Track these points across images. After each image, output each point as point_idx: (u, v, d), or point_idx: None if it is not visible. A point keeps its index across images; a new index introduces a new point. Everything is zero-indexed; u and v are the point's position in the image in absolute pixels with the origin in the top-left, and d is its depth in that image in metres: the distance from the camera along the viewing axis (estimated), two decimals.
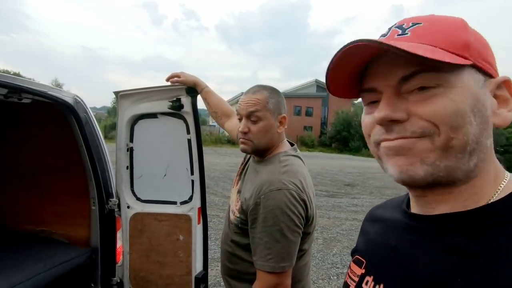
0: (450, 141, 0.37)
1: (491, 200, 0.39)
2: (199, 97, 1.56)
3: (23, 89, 1.42)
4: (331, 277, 3.25)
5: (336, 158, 20.67)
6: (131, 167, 1.71)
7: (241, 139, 1.09)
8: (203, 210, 1.64)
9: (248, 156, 1.23)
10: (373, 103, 0.44)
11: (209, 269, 1.70)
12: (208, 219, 1.76)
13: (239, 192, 1.12)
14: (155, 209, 1.69)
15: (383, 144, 0.42)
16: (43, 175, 2.08)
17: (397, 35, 0.41)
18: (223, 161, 13.05)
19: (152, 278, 1.70)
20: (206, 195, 1.66)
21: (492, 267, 0.35)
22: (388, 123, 0.40)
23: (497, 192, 0.40)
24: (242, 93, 1.14)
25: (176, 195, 1.67)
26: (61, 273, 1.71)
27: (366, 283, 0.48)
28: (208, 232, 1.74)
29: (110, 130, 19.18)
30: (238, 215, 1.06)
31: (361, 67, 0.44)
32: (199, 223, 1.63)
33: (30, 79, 1.77)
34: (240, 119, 1.10)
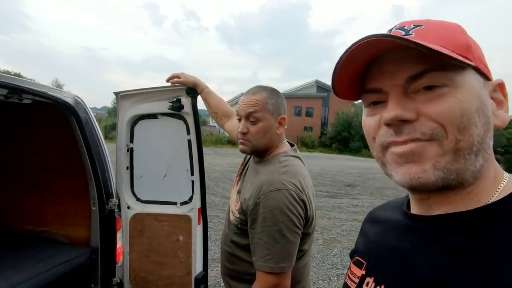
0: (458, 143, 0.37)
1: (491, 201, 0.39)
2: (199, 98, 1.56)
3: (23, 90, 1.42)
4: (331, 278, 3.25)
5: (336, 158, 20.66)
6: (131, 168, 1.71)
7: (240, 140, 1.09)
8: (203, 211, 1.64)
9: (248, 156, 1.23)
10: (375, 105, 0.43)
11: (209, 270, 1.70)
12: (208, 220, 1.76)
13: (239, 192, 1.12)
14: (155, 209, 1.69)
15: (393, 149, 0.41)
16: (43, 175, 2.08)
17: (402, 36, 0.41)
18: (223, 161, 13.06)
19: (152, 279, 1.70)
20: (206, 195, 1.66)
21: (492, 267, 0.35)
22: (398, 124, 0.39)
23: (497, 192, 0.40)
24: (242, 93, 1.14)
25: (176, 195, 1.67)
26: (61, 273, 1.71)
27: (367, 284, 0.48)
28: (208, 233, 1.74)
29: (111, 130, 19.20)
30: (237, 215, 1.06)
31: (363, 68, 0.43)
32: (199, 223, 1.63)
33: (30, 79, 1.77)
34: (239, 120, 1.10)
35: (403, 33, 0.41)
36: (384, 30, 0.45)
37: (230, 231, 1.12)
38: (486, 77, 0.40)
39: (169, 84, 1.52)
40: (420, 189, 0.40)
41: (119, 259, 1.78)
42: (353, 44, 0.39)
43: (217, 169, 10.43)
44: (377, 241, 0.52)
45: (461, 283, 0.36)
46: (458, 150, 0.37)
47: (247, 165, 1.21)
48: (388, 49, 0.40)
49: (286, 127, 1.12)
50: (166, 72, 1.74)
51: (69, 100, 1.67)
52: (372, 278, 0.47)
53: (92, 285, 1.84)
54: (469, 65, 0.37)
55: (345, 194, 7.90)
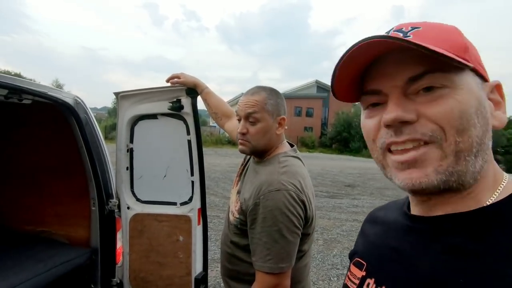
0: (457, 145, 0.37)
1: (492, 201, 0.40)
2: (199, 98, 1.56)
3: (23, 90, 1.42)
4: (331, 278, 3.25)
5: (336, 159, 20.67)
6: (131, 168, 1.71)
7: (239, 140, 1.09)
8: (203, 211, 1.64)
9: (248, 157, 1.23)
10: (374, 106, 0.44)
11: (209, 270, 1.70)
12: (208, 220, 1.76)
13: (238, 193, 1.12)
14: (155, 210, 1.69)
15: (394, 158, 0.41)
16: (43, 175, 2.08)
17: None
18: (223, 161, 13.06)
19: (152, 279, 1.70)
20: (206, 196, 1.66)
21: (493, 267, 0.35)
22: (398, 125, 0.39)
23: (497, 193, 0.40)
24: (243, 93, 1.14)
25: (176, 196, 1.67)
26: (61, 273, 1.71)
27: (368, 286, 0.48)
28: (208, 233, 1.74)
29: (111, 130, 19.21)
30: (237, 215, 1.06)
31: (362, 70, 0.43)
32: (199, 224, 1.63)
33: (31, 79, 1.77)
34: (239, 120, 1.10)
35: (401, 35, 0.41)
36: (384, 31, 0.45)
37: (229, 232, 1.12)
38: (483, 78, 0.41)
39: (169, 84, 1.52)
40: (422, 193, 0.40)
41: (119, 259, 1.78)
42: (353, 46, 0.39)
43: (217, 169, 10.43)
44: (378, 242, 0.52)
45: (462, 284, 0.36)
46: (458, 152, 0.37)
47: (247, 166, 1.21)
48: (387, 50, 0.40)
49: (286, 127, 1.12)
50: (166, 72, 1.75)
51: (69, 101, 1.67)
52: (373, 279, 0.47)
53: (92, 286, 1.84)
54: (468, 66, 0.38)
55: (345, 194, 7.90)
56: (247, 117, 1.06)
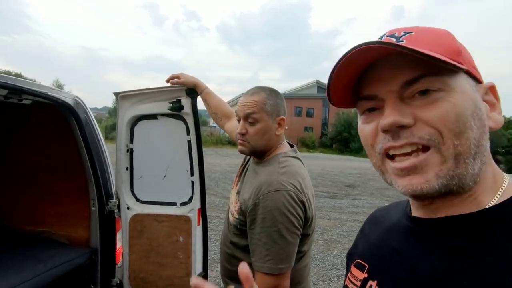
0: (455, 148, 0.37)
1: (493, 203, 0.39)
2: (199, 98, 1.56)
3: (23, 90, 1.42)
4: (332, 279, 3.24)
5: (336, 159, 20.66)
6: (131, 168, 1.71)
7: (239, 141, 1.09)
8: (203, 212, 1.63)
9: (248, 157, 1.23)
10: (371, 112, 0.44)
11: (208, 271, 1.70)
12: (209, 220, 1.76)
13: (238, 193, 1.12)
14: (155, 210, 1.69)
15: (393, 165, 0.41)
16: (43, 175, 2.08)
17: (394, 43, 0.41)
18: (223, 162, 13.06)
19: (152, 279, 1.70)
20: (207, 196, 1.66)
21: (495, 269, 0.35)
22: (396, 129, 0.39)
23: (498, 194, 0.40)
24: (243, 94, 1.14)
25: (176, 196, 1.67)
26: (61, 273, 1.71)
27: None
28: (208, 233, 1.73)
29: (111, 130, 19.22)
30: (237, 216, 1.06)
31: (357, 75, 0.43)
32: (199, 224, 1.63)
33: (31, 79, 1.77)
34: (238, 121, 1.10)
35: (394, 40, 0.41)
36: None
37: (229, 232, 1.11)
38: (477, 80, 0.41)
39: (169, 84, 1.52)
40: (423, 197, 0.41)
41: (119, 259, 1.77)
42: (347, 52, 0.39)
43: (218, 170, 10.43)
44: (379, 244, 0.51)
45: (465, 285, 0.36)
46: (457, 155, 0.38)
47: (246, 166, 1.21)
48: (381, 56, 0.40)
49: (286, 127, 1.12)
50: (167, 72, 1.76)
51: (69, 101, 1.67)
52: (375, 282, 0.47)
53: (92, 286, 1.84)
54: (461, 69, 0.38)
55: (345, 194, 7.90)
56: (246, 117, 1.06)
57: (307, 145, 27.38)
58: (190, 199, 1.64)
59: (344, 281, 0.55)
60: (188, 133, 1.60)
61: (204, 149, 1.61)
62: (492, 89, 0.43)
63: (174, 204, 1.67)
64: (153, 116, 1.64)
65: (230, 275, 1.11)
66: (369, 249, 0.53)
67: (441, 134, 0.38)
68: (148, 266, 1.70)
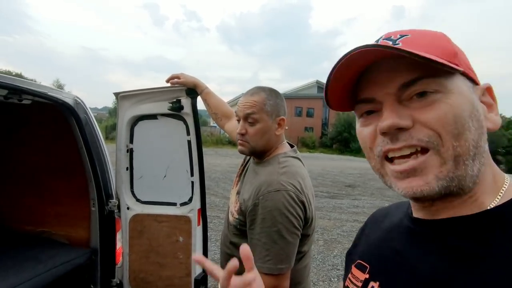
0: (455, 150, 0.37)
1: (494, 204, 0.39)
2: (199, 98, 1.56)
3: (23, 90, 1.42)
4: (332, 279, 3.24)
5: (337, 159, 20.65)
6: (131, 168, 1.71)
7: (238, 141, 1.09)
8: (203, 212, 1.63)
9: (248, 157, 1.23)
10: (369, 114, 0.44)
11: None
12: (209, 220, 1.76)
13: (238, 193, 1.12)
14: (154, 210, 1.69)
15: (392, 167, 0.41)
16: (43, 176, 2.08)
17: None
18: (224, 162, 13.06)
19: (152, 280, 1.70)
20: (207, 196, 1.66)
21: (496, 270, 0.35)
22: (394, 132, 0.39)
23: (500, 195, 0.40)
24: (243, 94, 1.14)
25: (176, 196, 1.67)
26: (61, 274, 1.71)
27: None
28: (209, 234, 1.73)
29: (112, 130, 19.23)
30: (236, 216, 1.06)
31: (355, 79, 0.43)
32: (198, 224, 1.63)
33: (32, 80, 1.77)
34: (238, 121, 1.10)
35: (391, 43, 0.41)
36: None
37: (229, 232, 1.11)
38: (474, 82, 0.41)
39: (169, 84, 1.52)
40: (424, 199, 0.41)
41: (119, 260, 1.77)
42: (345, 55, 0.39)
43: (218, 170, 10.43)
44: (381, 245, 0.51)
45: (466, 287, 0.36)
46: (457, 156, 0.38)
47: (246, 166, 1.21)
48: (378, 59, 0.40)
49: (287, 127, 1.12)
50: (167, 72, 1.77)
51: (69, 101, 1.66)
52: (377, 283, 0.47)
53: (92, 286, 1.84)
54: (458, 70, 0.38)
55: (345, 194, 7.89)
56: (246, 117, 1.06)
57: (307, 145, 27.38)
58: (190, 199, 1.64)
59: (344, 282, 0.55)
60: (188, 133, 1.59)
61: (204, 149, 1.61)
62: (488, 90, 0.43)
63: (174, 204, 1.67)
64: (153, 116, 1.64)
65: None
66: (370, 250, 0.53)
67: (440, 136, 0.38)
68: (148, 266, 1.70)
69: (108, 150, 1.84)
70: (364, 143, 0.45)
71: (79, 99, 1.74)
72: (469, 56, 0.44)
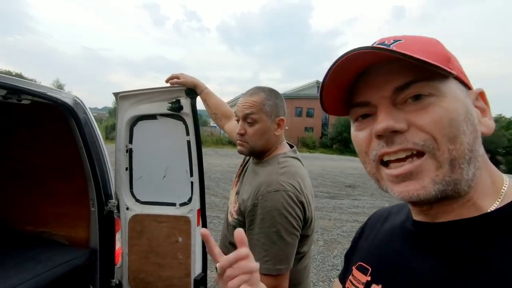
0: (451, 153, 0.37)
1: (495, 206, 0.39)
2: (198, 99, 1.55)
3: (22, 90, 1.42)
4: (332, 279, 3.24)
5: (337, 159, 20.66)
6: (130, 169, 1.71)
7: (238, 141, 1.09)
8: (202, 212, 1.63)
9: (248, 157, 1.23)
10: (364, 118, 0.44)
11: (208, 271, 1.69)
12: (209, 221, 1.76)
13: (237, 193, 1.11)
14: (154, 210, 1.69)
15: (388, 171, 0.41)
16: (43, 176, 2.08)
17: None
18: (224, 162, 13.05)
19: (151, 280, 1.69)
20: (207, 196, 1.65)
21: (501, 272, 0.34)
22: (389, 135, 0.39)
23: (500, 197, 0.40)
24: (243, 94, 1.14)
25: (176, 196, 1.66)
26: (60, 274, 1.71)
27: None
28: None
29: (112, 130, 19.24)
30: (236, 216, 1.06)
31: (349, 83, 0.43)
32: (198, 225, 1.63)
33: (32, 80, 1.77)
34: (237, 121, 1.10)
35: (385, 47, 0.41)
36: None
37: (228, 233, 1.11)
38: (467, 87, 0.42)
39: (168, 84, 1.52)
40: (420, 203, 0.41)
41: (118, 260, 1.77)
42: (340, 57, 0.39)
43: (218, 170, 10.43)
44: (383, 247, 0.51)
45: None
46: (452, 160, 0.38)
47: (246, 166, 1.20)
48: (373, 62, 0.40)
49: (287, 127, 1.12)
50: (167, 72, 1.77)
51: (68, 101, 1.66)
52: (380, 286, 0.47)
53: (91, 286, 1.83)
54: (452, 74, 0.38)
55: (345, 195, 7.89)
56: (245, 118, 1.06)
57: (307, 145, 27.38)
58: (190, 200, 1.64)
59: (344, 283, 0.55)
60: (187, 133, 1.59)
61: (204, 149, 1.61)
62: (481, 95, 0.43)
63: (173, 204, 1.67)
64: (152, 117, 1.64)
65: None
66: (372, 252, 0.53)
67: (435, 139, 0.38)
68: (147, 266, 1.69)
69: (108, 150, 1.84)
70: (359, 147, 0.45)
71: (79, 99, 1.74)
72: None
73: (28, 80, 1.65)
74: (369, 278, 0.49)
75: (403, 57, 0.36)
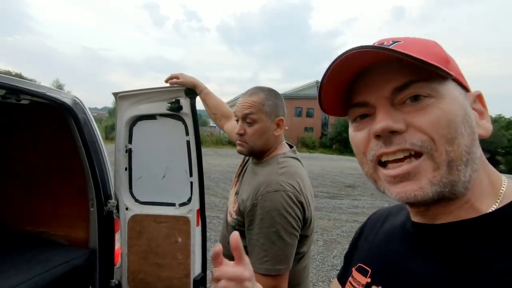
0: (448, 154, 0.37)
1: (494, 207, 0.39)
2: (198, 99, 1.55)
3: (21, 90, 1.42)
4: (331, 280, 3.23)
5: (336, 159, 20.67)
6: (129, 169, 1.71)
7: (237, 141, 1.09)
8: (201, 212, 1.63)
9: (247, 158, 1.23)
10: (362, 119, 0.44)
11: (207, 272, 1.69)
12: (208, 221, 1.75)
13: (237, 193, 1.11)
14: (153, 211, 1.69)
15: (385, 172, 0.41)
16: (42, 176, 2.08)
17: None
18: (223, 162, 13.05)
19: (151, 280, 1.69)
20: (206, 196, 1.65)
21: (502, 273, 0.34)
22: (388, 135, 0.39)
23: (499, 198, 0.40)
24: (243, 94, 1.14)
25: (175, 197, 1.66)
26: (59, 274, 1.70)
27: None
28: (208, 234, 1.73)
29: (111, 130, 19.23)
30: (235, 216, 1.05)
31: (348, 83, 0.43)
32: (197, 225, 1.62)
33: (31, 80, 1.77)
34: (237, 121, 1.10)
35: None
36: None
37: (228, 233, 1.11)
38: (465, 89, 0.42)
39: (168, 85, 1.52)
40: (418, 204, 0.41)
41: (118, 260, 1.77)
42: (339, 56, 0.39)
43: (218, 170, 10.42)
44: (383, 248, 0.51)
45: None
46: (450, 161, 0.38)
47: (245, 167, 1.20)
48: (372, 62, 0.40)
49: (286, 127, 1.11)
50: (167, 72, 1.77)
51: (67, 101, 1.66)
52: (380, 287, 0.46)
53: (90, 287, 1.83)
54: (451, 75, 0.38)
55: (345, 195, 7.89)
56: (244, 118, 1.06)
57: (307, 145, 27.39)
58: (189, 200, 1.64)
59: (344, 285, 0.54)
60: (187, 133, 1.59)
61: (204, 149, 1.61)
62: (479, 97, 0.43)
63: (173, 204, 1.67)
64: (152, 117, 1.64)
65: None
66: (371, 253, 0.53)
67: (433, 140, 0.38)
68: (147, 267, 1.69)
69: (107, 150, 1.84)
70: (357, 147, 0.45)
71: (78, 99, 1.74)
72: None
73: (28, 80, 1.65)
74: (369, 280, 0.49)
75: (402, 57, 0.36)
